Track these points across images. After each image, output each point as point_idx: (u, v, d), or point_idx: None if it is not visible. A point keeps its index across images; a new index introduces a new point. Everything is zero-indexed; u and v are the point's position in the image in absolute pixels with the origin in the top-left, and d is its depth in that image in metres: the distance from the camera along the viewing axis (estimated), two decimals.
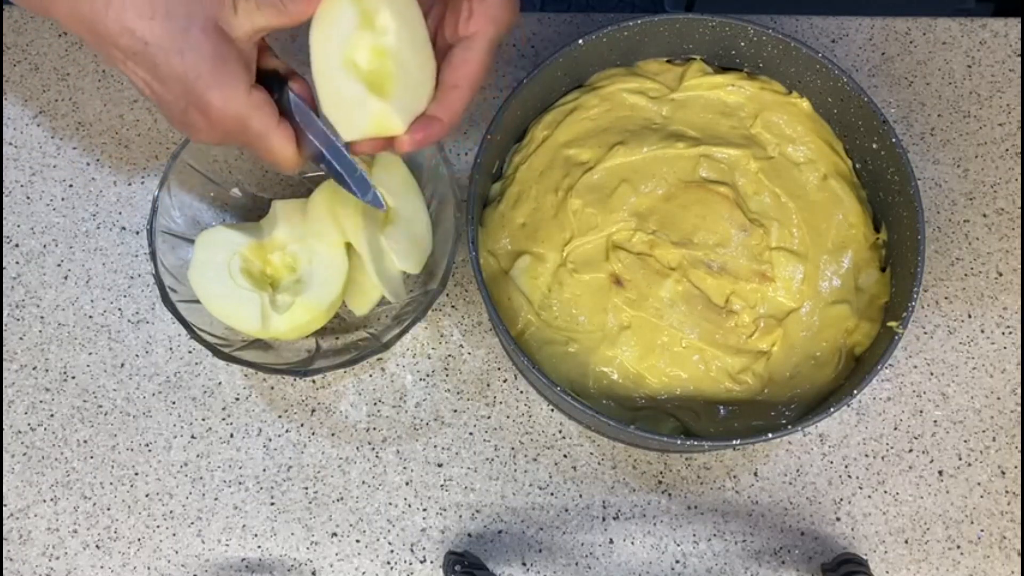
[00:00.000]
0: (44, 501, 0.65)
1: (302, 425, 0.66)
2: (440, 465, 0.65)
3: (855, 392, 0.56)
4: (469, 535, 0.64)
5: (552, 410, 0.66)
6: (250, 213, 0.68)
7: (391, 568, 0.63)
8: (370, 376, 0.67)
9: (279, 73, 0.51)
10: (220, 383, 0.67)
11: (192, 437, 0.66)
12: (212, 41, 0.47)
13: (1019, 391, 0.67)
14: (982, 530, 0.64)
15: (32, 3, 0.49)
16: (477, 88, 0.52)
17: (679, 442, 0.56)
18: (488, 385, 0.67)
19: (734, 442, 0.56)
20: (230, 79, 0.48)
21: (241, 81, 0.48)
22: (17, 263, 0.70)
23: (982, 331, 0.69)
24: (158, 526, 0.64)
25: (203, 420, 0.66)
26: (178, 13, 0.46)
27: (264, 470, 0.65)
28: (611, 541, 0.64)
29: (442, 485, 0.65)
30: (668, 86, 0.67)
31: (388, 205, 0.64)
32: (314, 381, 0.67)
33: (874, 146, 0.64)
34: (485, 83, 0.53)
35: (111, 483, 0.65)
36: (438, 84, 0.52)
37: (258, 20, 0.48)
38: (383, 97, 0.50)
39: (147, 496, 0.65)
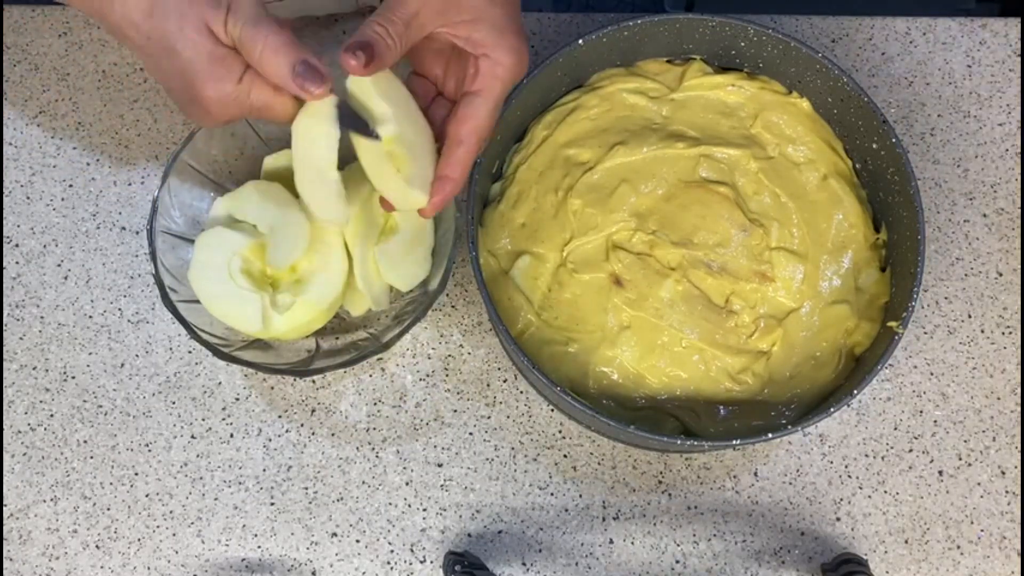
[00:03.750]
0: (44, 501, 0.65)
1: (302, 425, 0.66)
2: (440, 465, 0.65)
3: (855, 392, 0.56)
4: (469, 535, 0.64)
5: (552, 410, 0.66)
6: None
7: (391, 568, 0.63)
8: (370, 376, 0.67)
9: None
10: (220, 383, 0.67)
11: (192, 437, 0.66)
12: (207, 40, 0.48)
13: (1019, 391, 0.67)
14: (982, 530, 0.64)
15: None
16: (483, 142, 0.53)
17: (679, 442, 0.56)
18: (488, 385, 0.67)
19: (734, 442, 0.56)
20: (225, 73, 0.49)
21: (235, 72, 0.49)
22: (17, 263, 0.70)
23: (982, 331, 0.69)
24: (158, 526, 0.64)
25: (203, 420, 0.66)
26: (172, 12, 0.48)
27: (264, 470, 0.65)
28: (611, 541, 0.64)
29: (442, 485, 0.65)
30: (668, 86, 0.67)
31: (394, 218, 0.64)
32: (314, 381, 0.67)
33: (874, 146, 0.64)
34: (491, 136, 0.55)
35: (111, 483, 0.65)
36: (444, 138, 0.53)
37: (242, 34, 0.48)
38: (402, 177, 0.52)
39: (147, 496, 0.65)
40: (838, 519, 0.65)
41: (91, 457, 0.66)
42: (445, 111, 0.55)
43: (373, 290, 0.63)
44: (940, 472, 0.66)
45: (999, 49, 0.76)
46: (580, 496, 0.65)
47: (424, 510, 0.64)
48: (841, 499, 0.65)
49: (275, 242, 0.61)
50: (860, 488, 0.65)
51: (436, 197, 0.53)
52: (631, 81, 0.67)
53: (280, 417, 0.66)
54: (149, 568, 0.63)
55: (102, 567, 0.63)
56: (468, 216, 0.59)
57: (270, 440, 0.66)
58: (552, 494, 0.65)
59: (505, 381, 0.67)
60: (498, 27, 0.51)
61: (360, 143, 0.51)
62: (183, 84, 0.49)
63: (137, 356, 0.68)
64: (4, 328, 0.68)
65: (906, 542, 0.64)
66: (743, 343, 0.61)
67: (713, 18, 0.65)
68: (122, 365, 0.68)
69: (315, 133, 0.51)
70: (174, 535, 0.64)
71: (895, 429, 0.67)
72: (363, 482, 0.65)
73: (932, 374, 0.68)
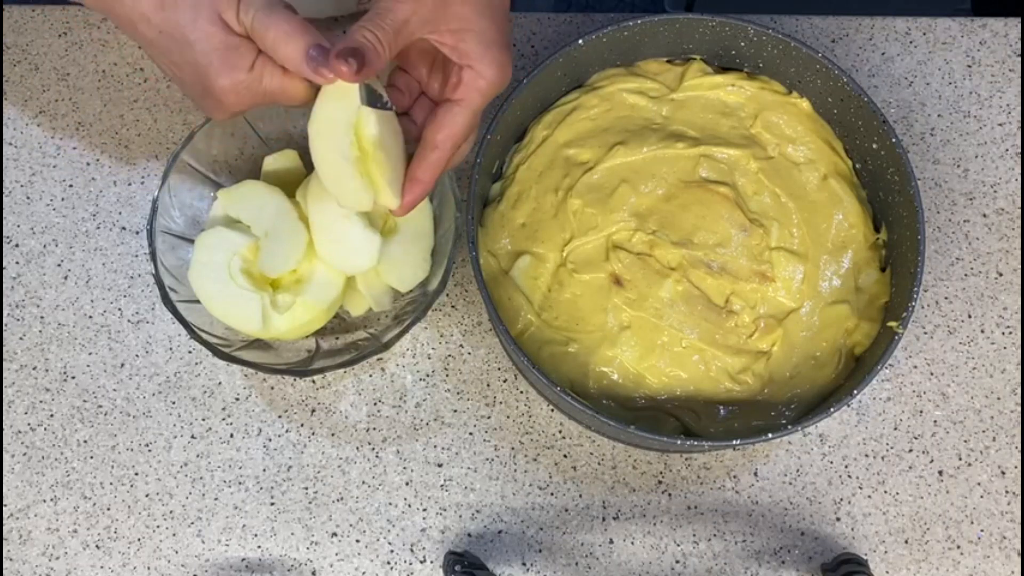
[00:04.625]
0: (44, 501, 0.65)
1: (302, 425, 0.66)
2: (440, 465, 0.65)
3: (855, 392, 0.56)
4: (469, 535, 0.64)
5: (552, 410, 0.66)
6: None
7: (391, 568, 0.63)
8: (370, 376, 0.67)
9: None
10: (220, 383, 0.67)
11: (192, 437, 0.66)
12: (220, 31, 0.49)
13: (1019, 391, 0.67)
14: (982, 530, 0.64)
15: None
16: (457, 148, 0.53)
17: (679, 442, 0.56)
18: (488, 385, 0.67)
19: (734, 442, 0.56)
20: (238, 62, 0.49)
21: (248, 59, 0.49)
22: (17, 263, 0.70)
23: (982, 331, 0.69)
24: (158, 526, 0.64)
25: (203, 420, 0.66)
26: (185, 4, 0.48)
27: (264, 470, 0.65)
28: (611, 541, 0.64)
29: (442, 485, 0.65)
30: (668, 86, 0.67)
31: (394, 219, 0.64)
32: (314, 381, 0.67)
33: (874, 146, 0.64)
34: (469, 143, 0.55)
35: (111, 483, 0.65)
36: (420, 140, 0.53)
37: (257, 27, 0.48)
38: (377, 180, 0.52)
39: (147, 496, 0.65)
40: (838, 519, 0.65)
41: (91, 457, 0.66)
42: (426, 112, 0.55)
43: (374, 291, 0.63)
44: (940, 472, 0.66)
45: (999, 49, 0.76)
46: (580, 496, 0.65)
47: (424, 510, 0.64)
48: (841, 499, 0.65)
49: (269, 249, 0.61)
50: (860, 488, 0.65)
51: (407, 198, 0.53)
52: (631, 81, 0.67)
53: (280, 417, 0.66)
54: (149, 568, 0.63)
55: (102, 567, 0.63)
56: (468, 216, 0.59)
57: (270, 440, 0.66)
58: (552, 494, 0.65)
59: (505, 381, 0.67)
60: (485, 40, 0.51)
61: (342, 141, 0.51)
62: (196, 76, 0.50)
63: (137, 356, 0.68)
64: (4, 328, 0.68)
65: (906, 542, 0.64)
66: (743, 343, 0.61)
67: (713, 18, 0.65)
68: (122, 365, 0.68)
69: (338, 115, 0.51)
70: (174, 535, 0.64)
71: (895, 429, 0.67)
72: (363, 482, 0.65)
73: (932, 374, 0.68)
